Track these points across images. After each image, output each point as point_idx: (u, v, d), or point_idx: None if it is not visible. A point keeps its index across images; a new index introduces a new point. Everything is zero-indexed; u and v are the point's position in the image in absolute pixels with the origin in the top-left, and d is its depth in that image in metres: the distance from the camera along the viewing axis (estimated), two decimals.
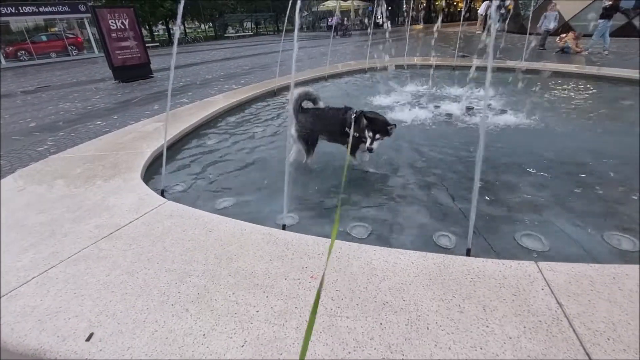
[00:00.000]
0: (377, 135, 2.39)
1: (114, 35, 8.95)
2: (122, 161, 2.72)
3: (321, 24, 37.20)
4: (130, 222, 1.83)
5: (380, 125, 2.39)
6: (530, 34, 6.80)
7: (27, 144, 4.69)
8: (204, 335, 1.13)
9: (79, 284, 1.40)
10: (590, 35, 9.85)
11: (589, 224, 1.98)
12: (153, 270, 1.45)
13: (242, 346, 1.09)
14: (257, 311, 1.22)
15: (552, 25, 10.52)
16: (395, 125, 2.41)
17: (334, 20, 21.98)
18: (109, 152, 2.96)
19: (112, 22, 8.88)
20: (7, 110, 7.12)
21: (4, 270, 1.52)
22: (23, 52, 19.41)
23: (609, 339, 1.05)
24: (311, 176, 2.73)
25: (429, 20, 32.64)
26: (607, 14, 9.28)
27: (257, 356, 1.05)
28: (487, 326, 1.13)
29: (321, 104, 2.74)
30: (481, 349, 1.05)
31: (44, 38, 20.39)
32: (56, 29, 21.26)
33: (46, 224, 1.88)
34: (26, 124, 5.82)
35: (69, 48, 20.88)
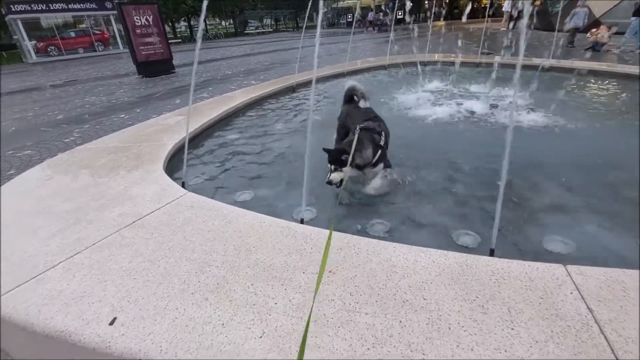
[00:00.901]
0: (334, 167, 2.11)
1: (138, 31, 9.17)
2: (144, 153, 2.78)
3: (341, 21, 37.00)
4: (152, 212, 1.86)
5: (334, 155, 2.10)
6: (558, 31, 6.52)
7: (55, 135, 4.87)
8: (222, 324, 1.14)
9: (103, 270, 1.43)
10: (622, 34, 9.39)
11: (620, 227, 1.88)
12: (174, 259, 1.47)
13: (261, 337, 1.09)
14: (276, 303, 1.22)
15: (581, 22, 10.09)
16: (346, 152, 2.05)
17: (370, 16, 21.51)
18: (132, 144, 3.03)
19: (136, 19, 9.09)
20: (37, 102, 7.42)
21: (33, 254, 1.57)
22: (53, 47, 20.16)
23: None
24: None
25: (452, 16, 31.90)
26: None
27: (275, 348, 1.05)
28: (512, 329, 1.09)
29: (361, 103, 2.67)
30: (506, 351, 1.02)
31: (72, 34, 21.13)
32: (84, 25, 21.98)
33: (72, 211, 1.94)
34: (54, 116, 6.05)
35: (96, 44, 21.56)
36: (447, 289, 1.26)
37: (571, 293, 1.21)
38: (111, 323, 1.17)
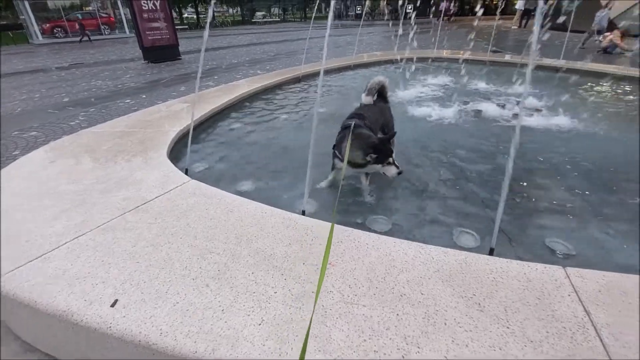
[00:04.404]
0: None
1: (145, 15, 9.10)
2: (149, 138, 2.79)
3: (349, 13, 36.61)
4: (156, 197, 1.88)
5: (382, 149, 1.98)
6: (571, 31, 6.46)
7: (61, 118, 4.88)
8: (222, 310, 1.16)
9: (106, 253, 1.45)
10: (636, 36, 9.25)
11: (623, 233, 1.89)
12: (176, 245, 1.49)
13: (259, 324, 1.10)
14: (275, 292, 1.24)
15: (602, 24, 10.01)
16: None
17: (443, 5, 20.37)
18: (137, 129, 3.04)
19: (144, 3, 9.02)
20: (43, 84, 7.41)
21: (38, 234, 1.59)
22: (59, 29, 20.03)
23: (638, 352, 1.00)
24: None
25: (462, 13, 31.45)
26: None
27: (273, 335, 1.07)
28: (508, 327, 1.10)
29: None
30: (500, 349, 1.03)
31: (79, 16, 20.97)
32: (90, 7, 21.82)
33: (77, 193, 1.96)
34: (60, 99, 6.05)
35: (102, 27, 21.40)
36: (445, 285, 1.27)
37: (569, 295, 1.22)
38: (113, 305, 1.19)
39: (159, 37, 9.54)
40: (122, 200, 1.86)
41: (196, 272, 1.33)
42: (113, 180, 2.09)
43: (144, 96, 5.98)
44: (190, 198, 1.88)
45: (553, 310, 1.16)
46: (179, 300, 1.20)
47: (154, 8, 9.20)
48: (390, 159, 2.01)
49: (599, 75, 5.69)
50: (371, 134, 2.07)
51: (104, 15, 21.96)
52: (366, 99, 2.50)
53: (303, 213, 1.82)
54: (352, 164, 2.04)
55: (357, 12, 34.68)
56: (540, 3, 1.60)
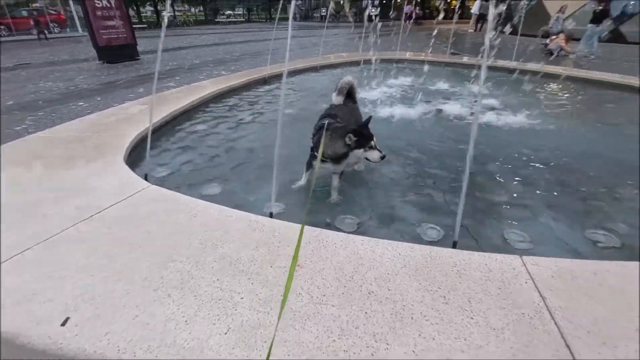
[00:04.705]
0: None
1: (99, 13, 8.61)
2: (104, 143, 2.63)
3: (314, 14, 36.82)
4: (112, 205, 1.76)
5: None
6: (521, 35, 6.94)
7: (5, 123, 4.49)
8: (186, 321, 1.10)
9: (57, 267, 1.34)
10: (578, 39, 10.05)
11: (573, 221, 2.03)
12: (135, 255, 1.40)
13: (226, 333, 1.06)
14: (242, 298, 1.20)
15: (559, 27, 10.76)
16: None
17: (407, 9, 20.74)
18: (91, 134, 2.85)
19: (97, 1, 8.53)
20: None
21: None
22: (2, 27, 18.46)
23: (589, 332, 1.07)
24: (300, 166, 2.70)
25: (423, 16, 32.61)
26: (597, 18, 9.48)
27: (240, 343, 1.03)
28: (472, 318, 1.13)
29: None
30: (465, 340, 1.06)
31: (24, 13, 19.44)
32: (38, 4, 20.32)
33: (25, 203, 1.79)
34: (4, 102, 5.56)
35: (51, 25, 19.97)
36: (412, 280, 1.29)
37: (526, 282, 1.29)
38: (63, 324, 1.10)
39: (115, 36, 9.06)
40: (75, 210, 1.72)
41: (157, 283, 1.26)
42: (64, 189, 1.94)
43: (99, 98, 5.65)
44: (150, 204, 1.78)
45: (513, 298, 1.22)
46: (138, 314, 1.13)
47: (108, 5, 8.73)
48: (372, 143, 1.98)
49: (549, 76, 6.10)
50: (347, 124, 2.08)
51: (53, 12, 20.53)
52: (337, 99, 2.51)
53: (271, 215, 1.79)
54: (334, 158, 2.04)
55: (322, 13, 34.98)
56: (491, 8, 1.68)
